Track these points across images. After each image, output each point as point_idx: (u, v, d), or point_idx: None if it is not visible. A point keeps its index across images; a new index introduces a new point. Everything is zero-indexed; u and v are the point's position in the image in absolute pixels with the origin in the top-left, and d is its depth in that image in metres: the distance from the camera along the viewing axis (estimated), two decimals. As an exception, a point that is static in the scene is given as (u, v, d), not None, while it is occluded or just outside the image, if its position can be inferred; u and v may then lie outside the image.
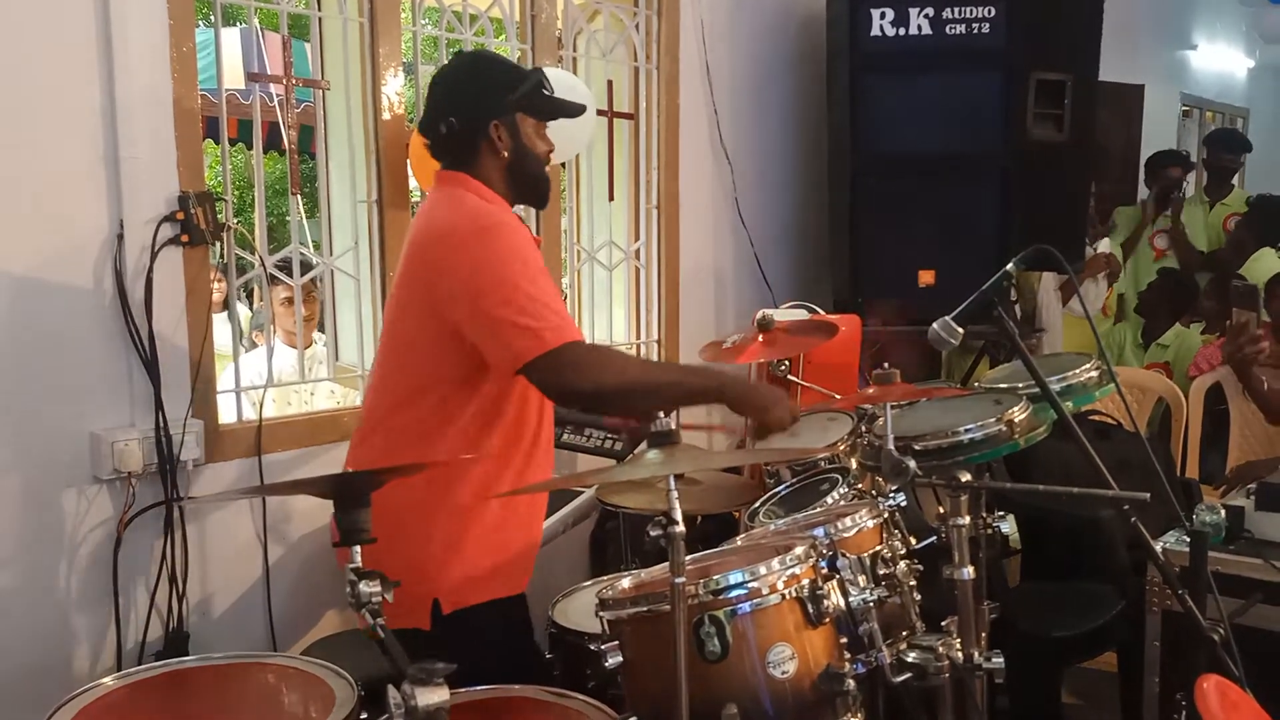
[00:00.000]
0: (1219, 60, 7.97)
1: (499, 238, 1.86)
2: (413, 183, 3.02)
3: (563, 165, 3.49)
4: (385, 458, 1.95)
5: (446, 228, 1.91)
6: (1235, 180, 5.99)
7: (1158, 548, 1.88)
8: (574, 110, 2.11)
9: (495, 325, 1.82)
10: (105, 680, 1.72)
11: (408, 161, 2.94)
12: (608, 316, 3.67)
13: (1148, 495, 1.66)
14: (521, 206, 2.20)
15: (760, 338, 2.70)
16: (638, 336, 3.75)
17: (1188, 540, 2.21)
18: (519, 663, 1.93)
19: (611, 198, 3.59)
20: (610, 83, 3.54)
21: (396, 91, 2.90)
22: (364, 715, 1.63)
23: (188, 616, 2.51)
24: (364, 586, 1.38)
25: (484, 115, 1.96)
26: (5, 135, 2.22)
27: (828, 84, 3.96)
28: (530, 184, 2.04)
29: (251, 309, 2.67)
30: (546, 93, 2.03)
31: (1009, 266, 1.85)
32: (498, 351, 1.83)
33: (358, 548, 1.41)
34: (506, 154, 1.98)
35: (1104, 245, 5.04)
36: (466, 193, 1.96)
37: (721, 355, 2.77)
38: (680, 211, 3.73)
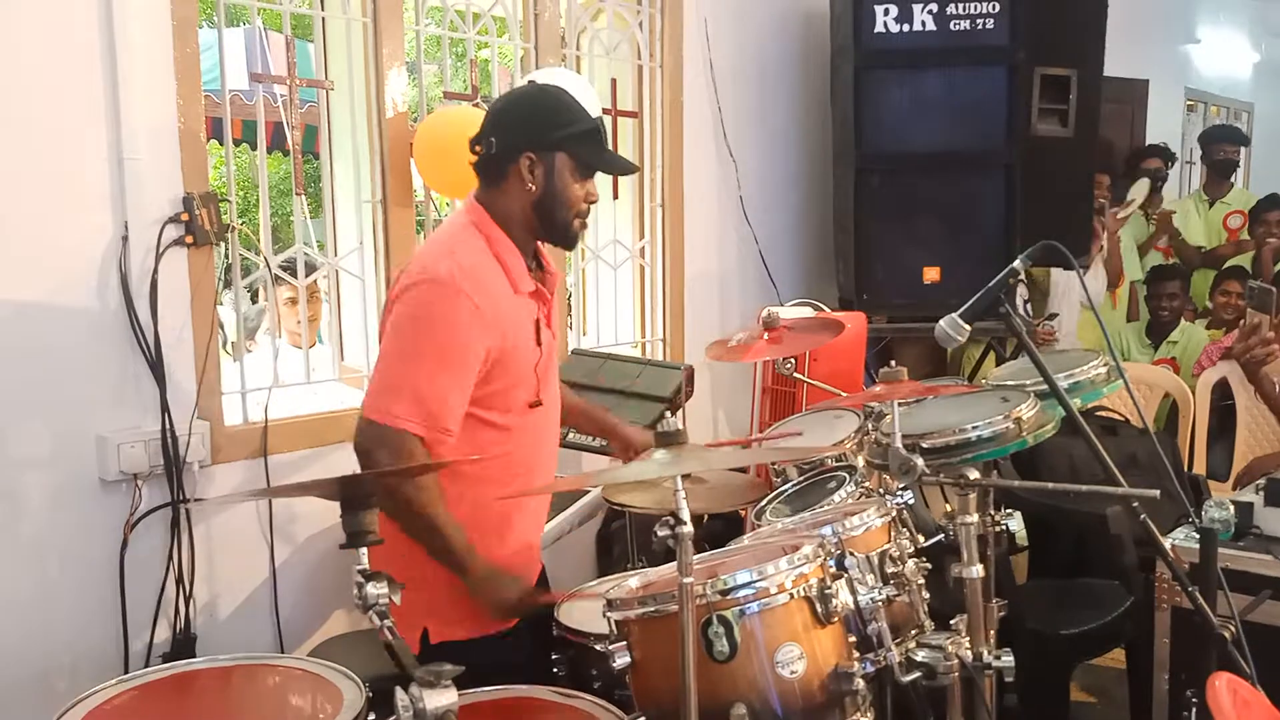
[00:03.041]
0: (1224, 54, 7.95)
1: (449, 302, 1.85)
2: (417, 181, 3.02)
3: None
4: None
5: (423, 257, 1.94)
6: (1236, 177, 5.98)
7: (1166, 544, 1.87)
8: (621, 168, 2.09)
9: (389, 368, 1.88)
10: (113, 683, 1.72)
11: (411, 161, 2.93)
12: (613, 316, 3.67)
13: (1158, 492, 1.65)
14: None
15: (766, 336, 2.69)
16: (643, 335, 3.74)
17: (1196, 537, 2.20)
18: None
19: (616, 196, 3.59)
20: (614, 81, 3.54)
21: (400, 91, 2.90)
22: (372, 716, 1.62)
23: (195, 618, 2.51)
24: (371, 588, 1.37)
25: (521, 144, 1.93)
26: (9, 138, 2.22)
27: (831, 81, 3.96)
28: (556, 227, 1.99)
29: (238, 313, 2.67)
30: (596, 142, 1.98)
31: (1016, 263, 1.84)
32: (371, 388, 1.89)
33: (364, 550, 1.41)
34: (534, 189, 1.94)
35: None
36: (473, 232, 1.95)
37: (727, 354, 2.76)
38: (685, 210, 3.73)
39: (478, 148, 1.98)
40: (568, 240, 2.03)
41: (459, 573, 1.92)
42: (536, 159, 1.93)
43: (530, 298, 1.99)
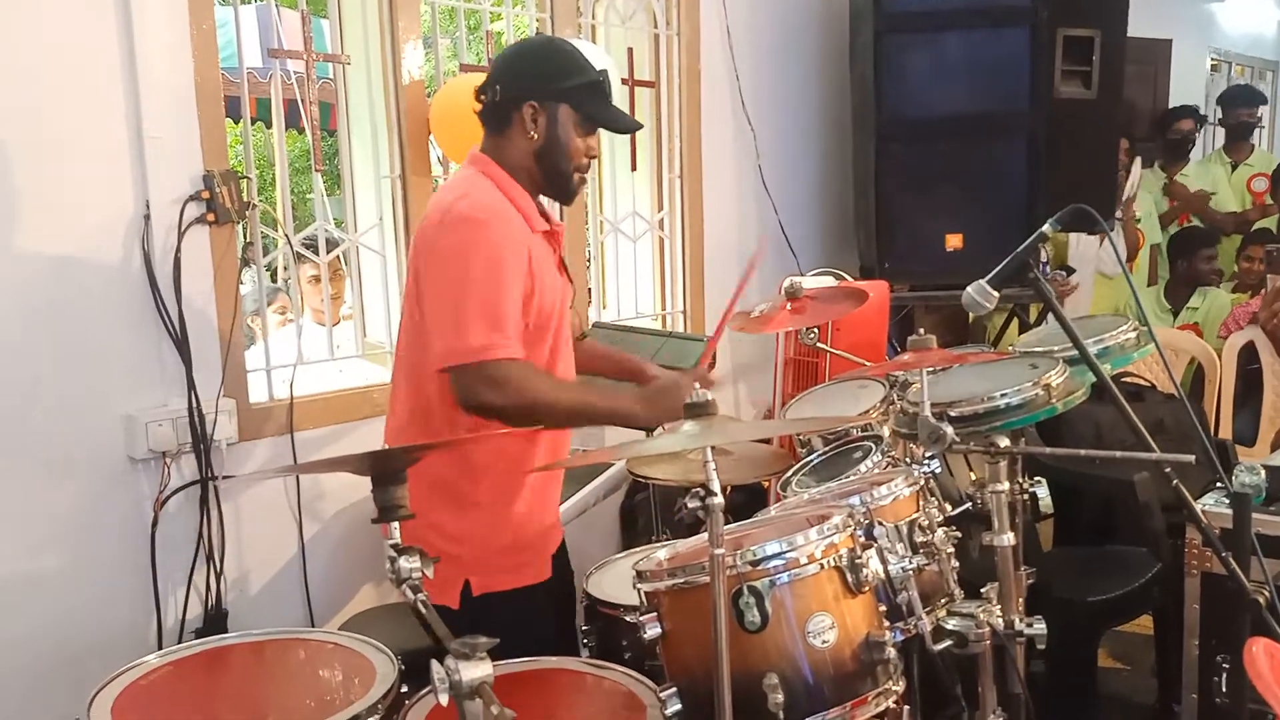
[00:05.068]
0: (1248, 12, 7.80)
1: (477, 232, 1.84)
2: (435, 152, 3.00)
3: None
4: (405, 440, 1.96)
5: (441, 208, 1.91)
6: (1260, 139, 5.88)
7: (1198, 509, 1.85)
8: (623, 125, 2.07)
9: (439, 318, 1.85)
10: (148, 659, 1.74)
11: (430, 137, 2.92)
12: (633, 289, 3.65)
13: (1193, 458, 1.64)
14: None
15: (788, 306, 2.67)
16: (663, 308, 3.73)
17: (1227, 502, 2.18)
18: (546, 651, 1.90)
19: (634, 168, 3.56)
20: (630, 50, 3.50)
21: (417, 65, 2.88)
22: (404, 689, 1.64)
23: (226, 594, 2.54)
24: (404, 562, 1.38)
25: (524, 93, 1.93)
26: (30, 119, 2.22)
27: (850, 45, 3.91)
28: (556, 178, 1.99)
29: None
30: (601, 96, 1.98)
31: (1046, 227, 1.81)
32: (434, 345, 1.86)
33: (396, 524, 1.41)
34: (536, 137, 1.94)
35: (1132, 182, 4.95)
36: (481, 177, 1.95)
37: (749, 325, 2.73)
38: (704, 180, 3.70)
39: (483, 96, 1.99)
40: (567, 193, 2.04)
41: (632, 424, 1.98)
42: (539, 108, 1.94)
43: (544, 238, 1.99)
